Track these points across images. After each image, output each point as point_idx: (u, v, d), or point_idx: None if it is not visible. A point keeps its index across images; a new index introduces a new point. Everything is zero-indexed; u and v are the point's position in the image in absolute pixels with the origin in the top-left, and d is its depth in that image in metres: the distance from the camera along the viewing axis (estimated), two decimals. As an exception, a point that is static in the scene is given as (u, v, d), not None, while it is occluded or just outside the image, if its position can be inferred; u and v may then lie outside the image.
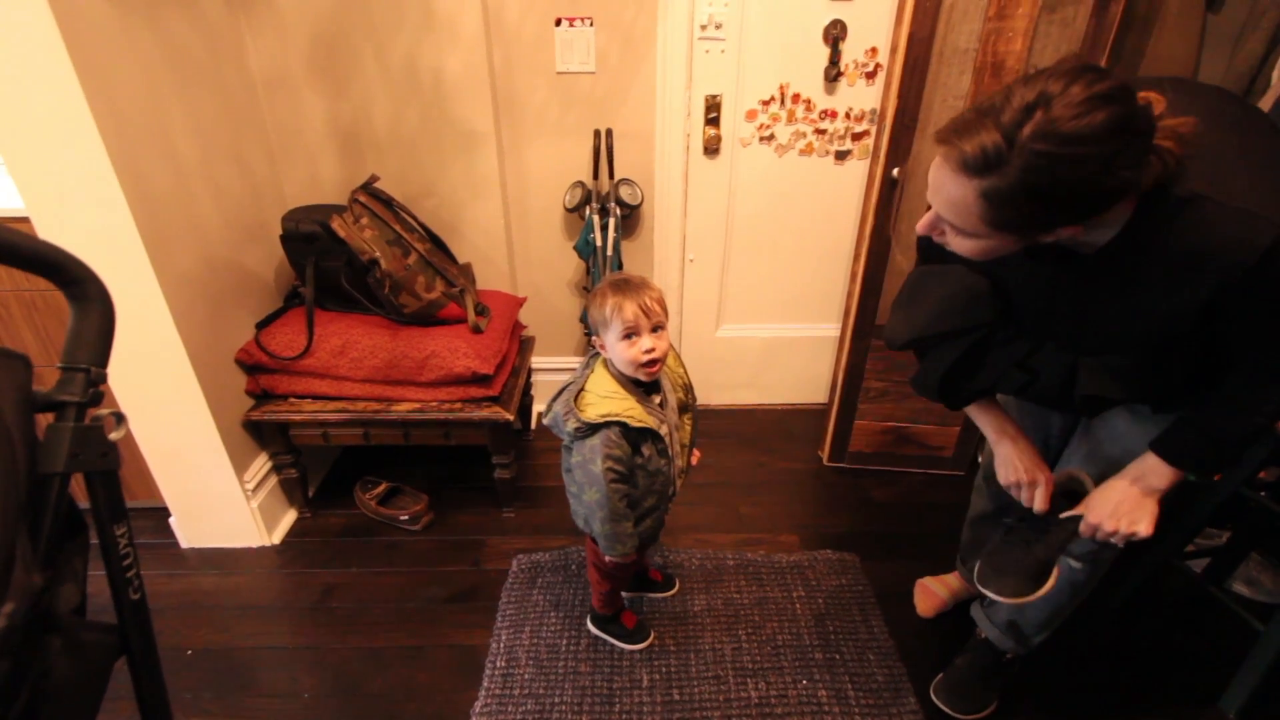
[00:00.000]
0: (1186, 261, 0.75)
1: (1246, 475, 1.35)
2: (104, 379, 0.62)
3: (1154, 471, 0.94)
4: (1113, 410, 1.05)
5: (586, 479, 1.14)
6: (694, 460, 1.35)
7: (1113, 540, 0.98)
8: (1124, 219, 0.78)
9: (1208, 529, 1.65)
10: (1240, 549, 1.56)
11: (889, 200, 1.69)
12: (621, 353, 1.11)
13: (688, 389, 1.29)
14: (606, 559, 1.24)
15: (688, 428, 1.30)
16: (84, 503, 0.63)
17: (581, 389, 1.16)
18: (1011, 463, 1.08)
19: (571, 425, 1.12)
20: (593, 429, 1.11)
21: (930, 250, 1.07)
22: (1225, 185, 0.72)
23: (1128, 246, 0.79)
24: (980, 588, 1.10)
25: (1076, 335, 0.92)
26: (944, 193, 0.76)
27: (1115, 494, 0.97)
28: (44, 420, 0.61)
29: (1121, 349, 0.89)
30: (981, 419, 1.13)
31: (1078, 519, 1.00)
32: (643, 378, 1.14)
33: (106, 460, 0.61)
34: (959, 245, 0.82)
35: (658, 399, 1.20)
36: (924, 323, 1.03)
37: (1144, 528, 0.94)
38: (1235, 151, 0.75)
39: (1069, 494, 1.05)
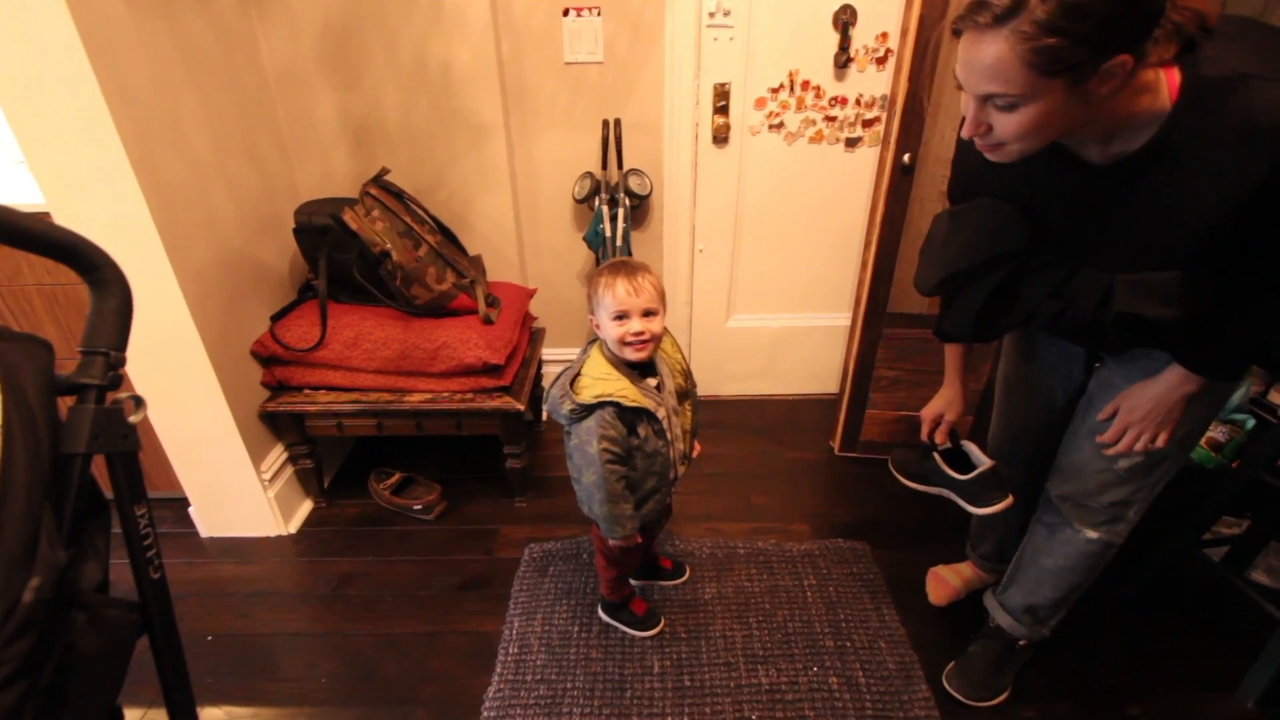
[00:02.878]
0: (1237, 143, 0.74)
1: (1266, 461, 1.33)
2: (123, 362, 0.63)
3: (1188, 379, 0.96)
4: (1129, 363, 1.05)
5: (584, 461, 1.16)
6: (694, 453, 1.36)
7: (1135, 449, 1.03)
8: (1160, 117, 0.77)
9: (1226, 517, 1.62)
10: (1260, 537, 1.53)
11: (900, 187, 1.67)
12: (611, 332, 1.13)
13: (686, 375, 1.30)
14: (610, 542, 1.25)
15: (688, 413, 1.30)
16: (108, 493, 0.65)
17: (578, 373, 1.17)
18: (935, 401, 1.28)
19: (567, 407, 1.14)
20: (587, 410, 1.13)
21: (964, 183, 1.06)
22: (1275, 66, 0.72)
23: (1172, 137, 0.78)
24: (891, 456, 1.38)
25: (1115, 249, 0.90)
26: (981, 62, 0.74)
27: (1149, 400, 1.00)
28: (66, 405, 0.62)
29: (1162, 259, 0.86)
30: (950, 356, 1.26)
31: (952, 478, 1.25)
32: (630, 357, 1.15)
33: (126, 442, 0.63)
34: (1009, 125, 0.78)
35: (654, 382, 1.21)
36: (956, 257, 1.02)
37: (1164, 438, 1.01)
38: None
39: (963, 456, 1.29)
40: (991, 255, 0.98)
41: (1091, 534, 1.16)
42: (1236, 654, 1.40)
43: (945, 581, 1.57)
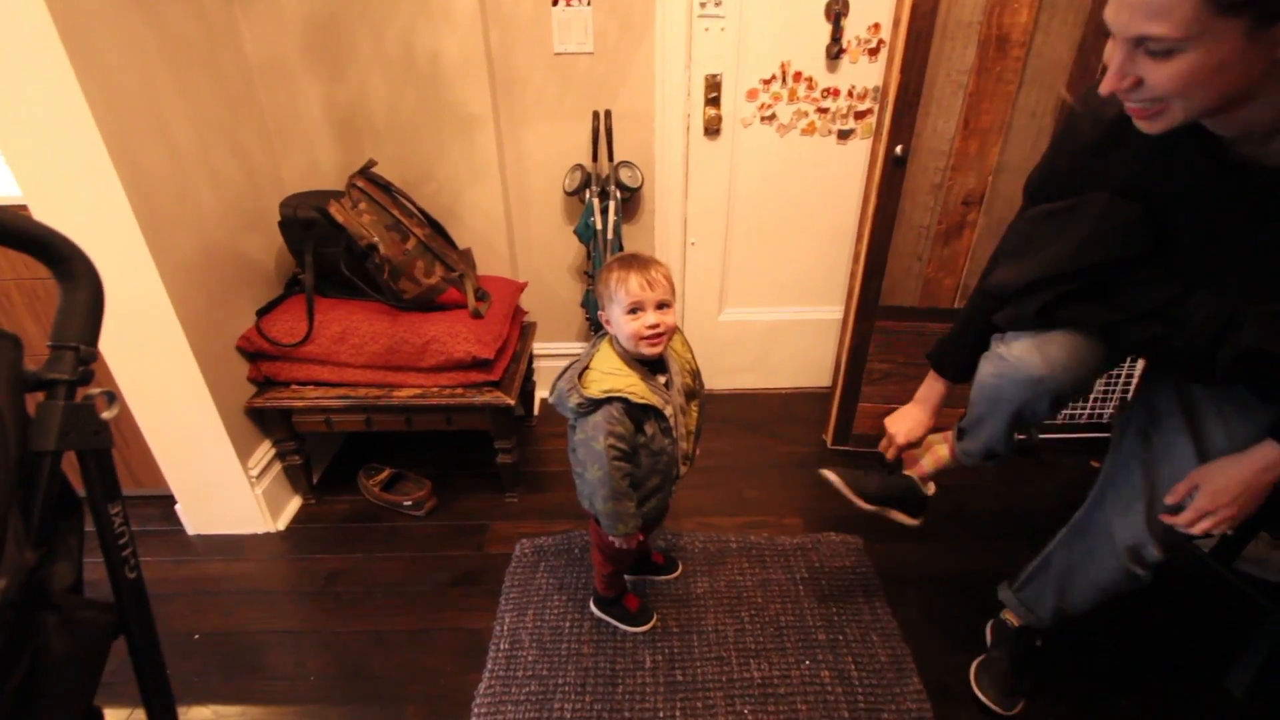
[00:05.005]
0: None
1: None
2: (94, 357, 0.62)
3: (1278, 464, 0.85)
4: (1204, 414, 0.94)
5: (589, 456, 1.14)
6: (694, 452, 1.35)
7: (1207, 525, 0.91)
8: None
9: (1216, 508, 1.63)
10: (1248, 528, 1.54)
11: (892, 179, 1.67)
12: (625, 326, 1.11)
13: (695, 374, 1.28)
14: (610, 539, 1.24)
15: (694, 414, 1.29)
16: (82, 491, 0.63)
17: (586, 367, 1.16)
18: (895, 419, 1.25)
19: (574, 401, 1.12)
20: (595, 405, 1.11)
21: (1062, 175, 0.92)
22: None
23: None
24: (833, 469, 1.32)
25: (1256, 270, 0.75)
26: None
27: (1235, 483, 0.88)
28: (37, 402, 0.61)
29: None
30: (928, 383, 1.22)
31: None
32: (645, 352, 1.13)
33: (98, 439, 0.61)
34: (1162, 76, 0.63)
35: (663, 379, 1.19)
36: (1063, 257, 0.85)
37: (1244, 515, 0.90)
38: None
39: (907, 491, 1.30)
40: (1104, 259, 0.83)
41: (1140, 571, 1.10)
42: (1225, 644, 1.41)
43: (913, 456, 1.33)
